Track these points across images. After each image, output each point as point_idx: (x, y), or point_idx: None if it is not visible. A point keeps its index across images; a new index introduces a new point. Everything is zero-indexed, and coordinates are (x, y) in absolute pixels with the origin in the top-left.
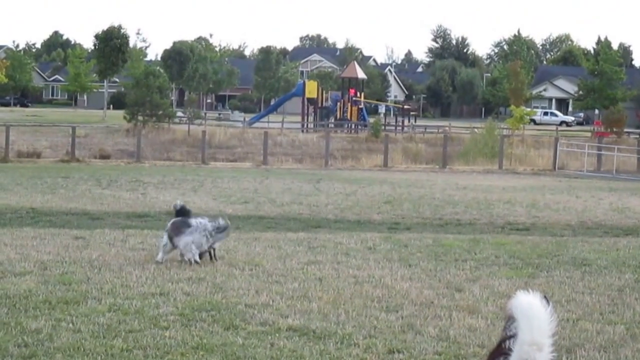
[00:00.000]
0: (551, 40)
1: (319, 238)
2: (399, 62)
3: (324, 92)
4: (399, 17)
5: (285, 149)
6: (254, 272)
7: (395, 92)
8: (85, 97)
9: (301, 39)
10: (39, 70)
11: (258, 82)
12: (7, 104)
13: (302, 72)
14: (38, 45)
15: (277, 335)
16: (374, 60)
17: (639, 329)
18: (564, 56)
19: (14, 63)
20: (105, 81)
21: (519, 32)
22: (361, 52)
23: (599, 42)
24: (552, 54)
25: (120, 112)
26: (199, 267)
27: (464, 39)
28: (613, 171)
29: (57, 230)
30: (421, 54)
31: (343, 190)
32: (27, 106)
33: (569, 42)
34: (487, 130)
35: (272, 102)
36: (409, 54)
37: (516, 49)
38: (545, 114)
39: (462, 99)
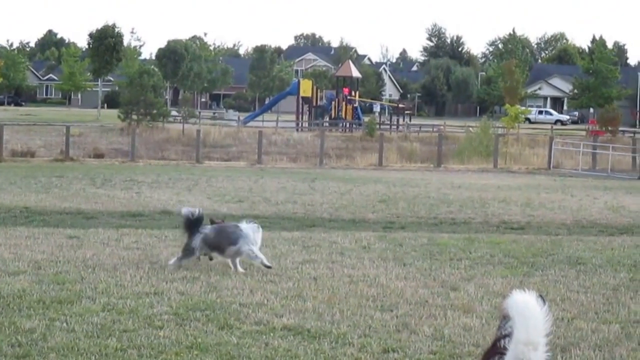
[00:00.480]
0: (546, 38)
1: (313, 237)
2: (394, 60)
3: (318, 91)
4: (393, 16)
5: (279, 147)
6: (249, 272)
7: (390, 90)
8: (79, 96)
9: (296, 37)
10: (32, 69)
11: (252, 81)
12: (1, 103)
13: (296, 71)
14: (32, 44)
15: (271, 334)
16: (369, 59)
17: (634, 327)
18: (559, 55)
19: (7, 62)
20: (99, 80)
21: (513, 30)
22: (356, 50)
23: (593, 40)
24: (547, 52)
25: (115, 111)
26: (193, 266)
27: (458, 38)
28: (608, 170)
29: (51, 229)
30: (416, 53)
31: (338, 189)
32: (21, 105)
33: (564, 41)
34: (482, 129)
35: (267, 101)
36: (403, 53)
37: (511, 47)
38: (540, 112)
39: (457, 98)
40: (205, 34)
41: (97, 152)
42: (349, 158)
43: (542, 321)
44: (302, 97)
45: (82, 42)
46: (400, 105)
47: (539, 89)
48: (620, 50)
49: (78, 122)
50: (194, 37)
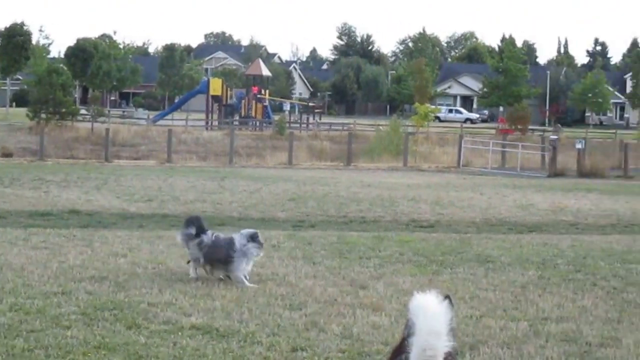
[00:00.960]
0: (456, 37)
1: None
2: (304, 59)
3: (228, 89)
4: (304, 15)
5: (189, 146)
6: (157, 271)
7: (300, 89)
8: None
9: (206, 36)
10: None
11: (162, 79)
12: None
13: (206, 70)
14: None
15: (180, 333)
16: (279, 57)
17: (542, 325)
18: (469, 54)
19: None
20: (7, 79)
21: (423, 29)
22: (266, 49)
23: (503, 39)
24: (456, 51)
25: (23, 110)
26: (102, 266)
27: (369, 37)
28: (517, 168)
29: None
30: (326, 52)
31: (247, 187)
32: None
33: (474, 40)
34: (391, 127)
35: (176, 100)
36: (314, 52)
37: (421, 46)
38: (450, 111)
39: (367, 97)
40: (115, 33)
41: (6, 151)
42: (258, 157)
43: (443, 313)
44: (212, 96)
45: None
46: (311, 104)
47: (449, 87)
48: (529, 49)
49: None
50: (104, 36)
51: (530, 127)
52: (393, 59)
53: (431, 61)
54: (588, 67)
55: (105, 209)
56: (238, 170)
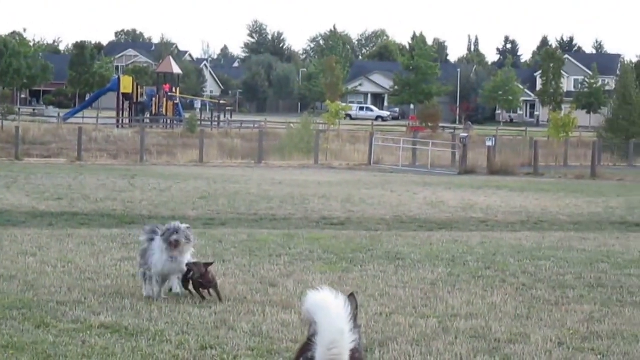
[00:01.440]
0: (367, 35)
1: (132, 234)
2: (215, 57)
3: (139, 87)
4: (215, 12)
5: (100, 144)
6: (67, 269)
7: (212, 87)
8: None
9: (116, 33)
10: None
11: (73, 77)
12: None
13: (117, 67)
14: None
15: (88, 332)
16: (190, 55)
17: (451, 321)
18: (380, 52)
19: None
20: None
21: (334, 27)
22: (177, 47)
23: (414, 37)
24: (367, 49)
25: None
26: (11, 265)
27: (280, 34)
28: (428, 166)
29: None
30: (237, 49)
31: (158, 186)
32: None
33: (385, 38)
34: (303, 125)
35: (87, 98)
36: (225, 49)
37: (332, 44)
38: (361, 109)
39: (278, 94)
40: (25, 30)
41: None
42: (169, 155)
43: (342, 308)
44: (123, 94)
45: None
46: (222, 102)
47: (360, 85)
48: (440, 47)
49: None
50: (14, 33)
51: (441, 124)
52: (304, 56)
53: (342, 59)
54: (498, 65)
55: (14, 207)
56: (149, 169)
